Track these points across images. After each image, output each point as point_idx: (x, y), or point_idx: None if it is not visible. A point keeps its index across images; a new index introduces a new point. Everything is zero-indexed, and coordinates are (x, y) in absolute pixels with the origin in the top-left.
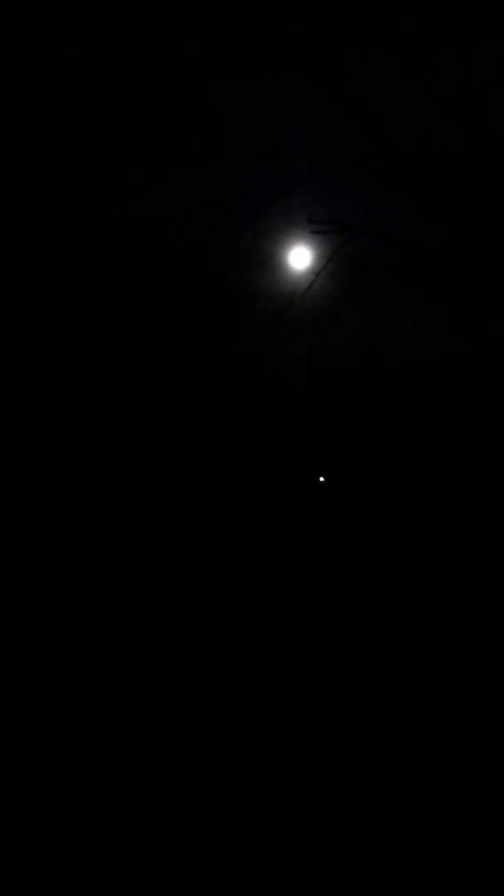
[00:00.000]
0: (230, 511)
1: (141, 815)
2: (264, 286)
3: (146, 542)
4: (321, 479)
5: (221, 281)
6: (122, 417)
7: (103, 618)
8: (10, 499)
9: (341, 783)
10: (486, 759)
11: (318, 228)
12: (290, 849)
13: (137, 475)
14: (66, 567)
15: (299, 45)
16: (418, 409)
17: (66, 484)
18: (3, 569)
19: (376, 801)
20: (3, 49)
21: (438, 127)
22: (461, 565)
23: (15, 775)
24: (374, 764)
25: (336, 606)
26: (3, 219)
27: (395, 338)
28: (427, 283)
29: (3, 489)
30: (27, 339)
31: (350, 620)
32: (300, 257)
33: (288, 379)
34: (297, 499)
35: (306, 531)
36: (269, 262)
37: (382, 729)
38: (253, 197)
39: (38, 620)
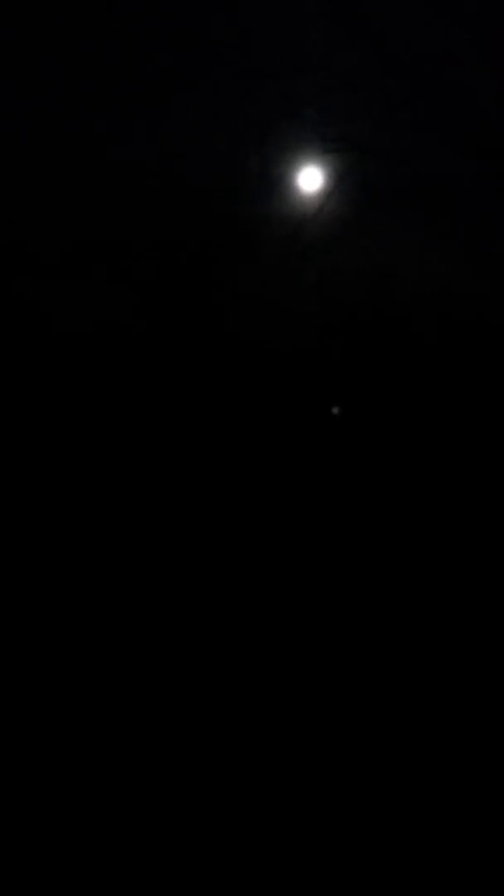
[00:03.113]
0: (242, 448)
1: (140, 814)
2: (273, 209)
3: (154, 484)
4: (335, 410)
5: (228, 205)
6: (129, 357)
7: (101, 565)
8: (11, 447)
9: (341, 781)
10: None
11: (329, 147)
12: (289, 849)
13: (145, 414)
14: (73, 509)
15: None
16: (431, 342)
17: (70, 431)
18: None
19: (376, 800)
20: None
21: (461, 51)
22: (475, 511)
23: (14, 775)
24: (374, 762)
25: (350, 547)
26: None
27: (410, 265)
28: (443, 209)
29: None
30: (26, 287)
31: (365, 566)
32: (311, 178)
33: (299, 309)
34: (311, 432)
35: (321, 466)
36: (278, 183)
37: (386, 716)
38: (260, 116)
39: (30, 576)
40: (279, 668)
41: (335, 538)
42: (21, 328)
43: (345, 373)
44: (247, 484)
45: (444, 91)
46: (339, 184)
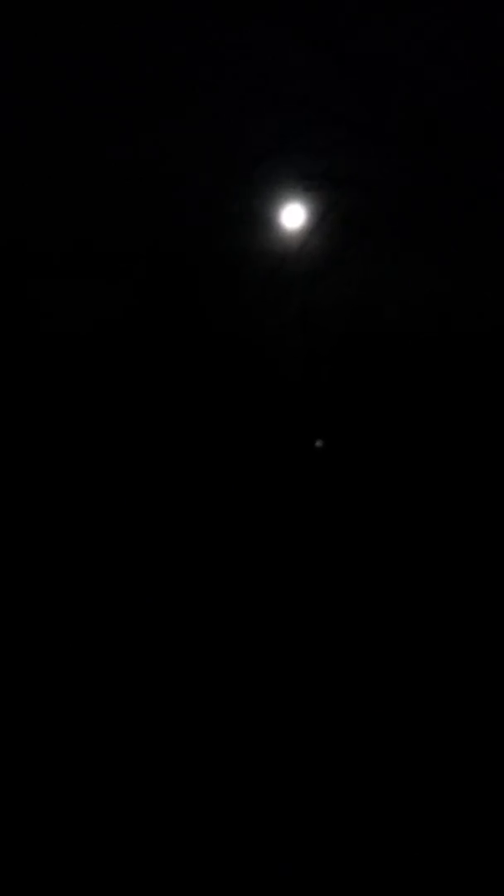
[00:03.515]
0: (226, 475)
1: (140, 814)
2: (257, 244)
3: (137, 500)
4: (318, 443)
5: (213, 239)
6: (114, 385)
7: (98, 564)
8: (9, 448)
9: (341, 781)
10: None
11: (311, 185)
12: (289, 848)
13: (130, 441)
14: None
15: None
16: (416, 366)
17: (66, 431)
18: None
19: (376, 800)
20: None
21: (437, 78)
22: (467, 534)
23: (14, 774)
24: (374, 762)
25: (335, 574)
26: None
27: (392, 295)
28: (424, 238)
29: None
30: (16, 288)
31: (351, 591)
32: (294, 214)
33: (282, 338)
34: (295, 463)
35: (304, 496)
36: (262, 219)
37: (384, 718)
38: (244, 152)
39: (28, 575)
40: (274, 672)
41: (322, 563)
42: (20, 327)
43: (329, 402)
44: (228, 506)
45: (424, 124)
46: (321, 220)
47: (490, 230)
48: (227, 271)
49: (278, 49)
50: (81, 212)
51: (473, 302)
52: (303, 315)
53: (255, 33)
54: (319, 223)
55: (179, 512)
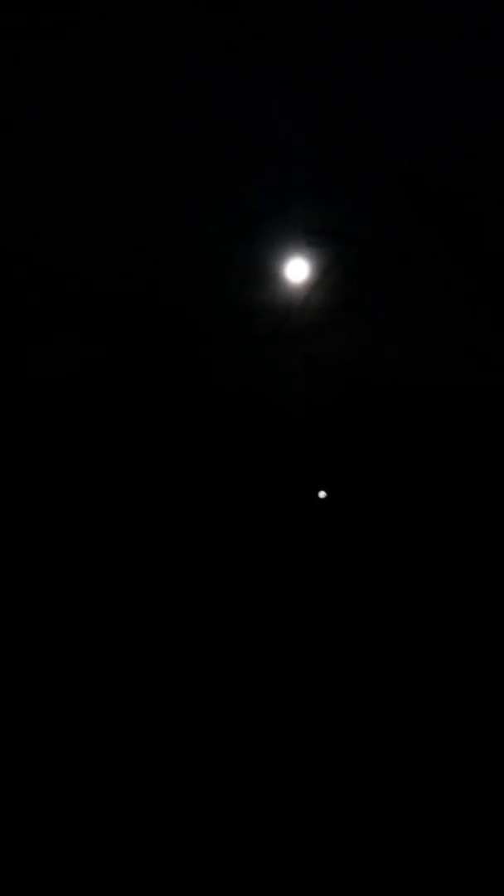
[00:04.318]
0: (227, 527)
1: (140, 815)
2: (260, 298)
3: (133, 555)
4: (321, 494)
5: (216, 293)
6: (114, 434)
7: (85, 619)
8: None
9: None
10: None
11: (314, 240)
12: (289, 848)
13: (129, 494)
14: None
15: (288, 56)
16: (418, 418)
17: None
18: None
19: (376, 801)
20: None
21: (435, 137)
22: (467, 577)
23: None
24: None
25: (337, 619)
26: None
27: (393, 346)
28: (424, 294)
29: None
30: (14, 340)
31: (351, 636)
32: (296, 269)
33: (286, 391)
34: (298, 514)
35: (306, 548)
36: (265, 274)
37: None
38: (246, 209)
39: (26, 613)
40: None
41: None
42: (19, 385)
43: (331, 449)
44: (229, 558)
45: (420, 180)
46: (324, 274)
47: (486, 284)
48: (233, 324)
49: (279, 110)
50: (83, 267)
51: (472, 354)
52: (307, 366)
53: (256, 94)
54: (323, 277)
55: (182, 554)
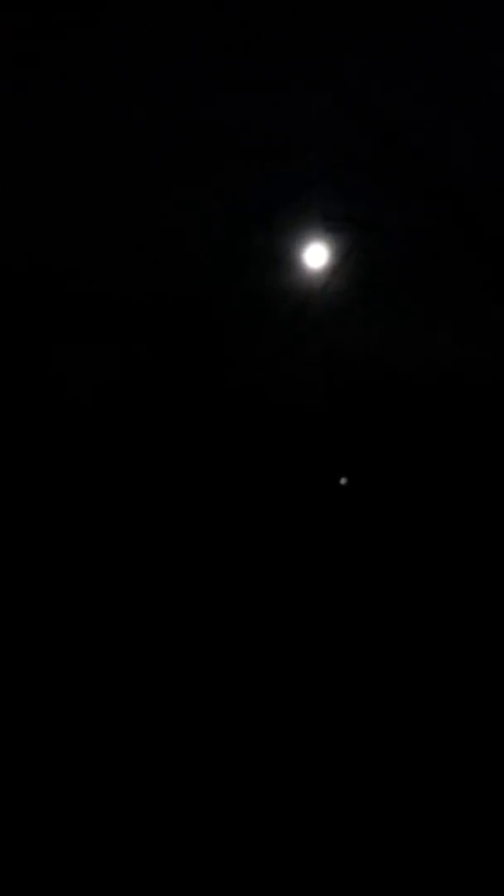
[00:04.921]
0: (248, 514)
1: (140, 815)
2: (279, 285)
3: (155, 556)
4: (343, 480)
5: (235, 281)
6: (136, 425)
7: (101, 624)
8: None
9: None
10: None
11: (333, 225)
12: (289, 849)
13: (150, 485)
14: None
15: (306, 49)
16: (435, 409)
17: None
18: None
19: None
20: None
21: (455, 132)
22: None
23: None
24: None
25: (354, 605)
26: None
27: (412, 335)
28: (443, 284)
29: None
30: (38, 352)
31: (369, 624)
32: (315, 255)
33: (304, 380)
34: (319, 501)
35: (328, 534)
36: (284, 260)
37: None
38: (266, 196)
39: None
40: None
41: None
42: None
43: (351, 438)
44: (249, 547)
45: (439, 168)
46: (343, 261)
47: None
48: (252, 311)
49: (299, 97)
50: (96, 265)
51: (488, 342)
52: (326, 354)
53: (271, 84)
54: (342, 263)
55: (200, 546)
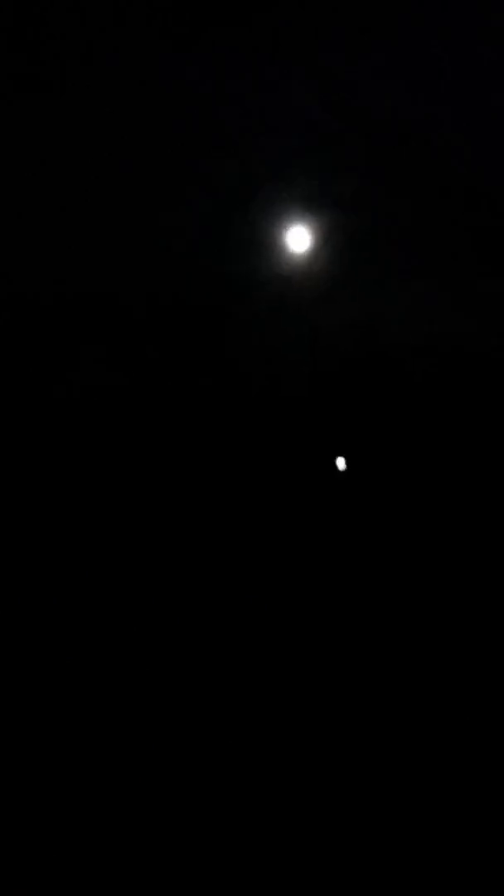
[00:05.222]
0: (239, 502)
1: (140, 816)
2: (263, 268)
3: (152, 541)
4: (339, 462)
5: (219, 265)
6: (130, 416)
7: (105, 615)
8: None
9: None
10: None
11: (314, 206)
12: (289, 849)
13: (143, 466)
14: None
15: (281, 29)
16: (423, 387)
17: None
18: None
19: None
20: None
21: (435, 110)
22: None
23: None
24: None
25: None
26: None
27: (397, 312)
28: (428, 261)
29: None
30: (40, 355)
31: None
32: (298, 237)
33: (290, 361)
34: (313, 485)
35: (324, 517)
36: (266, 243)
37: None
38: (245, 178)
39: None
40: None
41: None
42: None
43: (339, 417)
44: (244, 532)
45: (421, 148)
46: (325, 242)
47: (488, 251)
48: (235, 295)
49: (277, 76)
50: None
51: (476, 321)
52: (311, 336)
53: (251, 65)
54: (323, 245)
55: (194, 532)
